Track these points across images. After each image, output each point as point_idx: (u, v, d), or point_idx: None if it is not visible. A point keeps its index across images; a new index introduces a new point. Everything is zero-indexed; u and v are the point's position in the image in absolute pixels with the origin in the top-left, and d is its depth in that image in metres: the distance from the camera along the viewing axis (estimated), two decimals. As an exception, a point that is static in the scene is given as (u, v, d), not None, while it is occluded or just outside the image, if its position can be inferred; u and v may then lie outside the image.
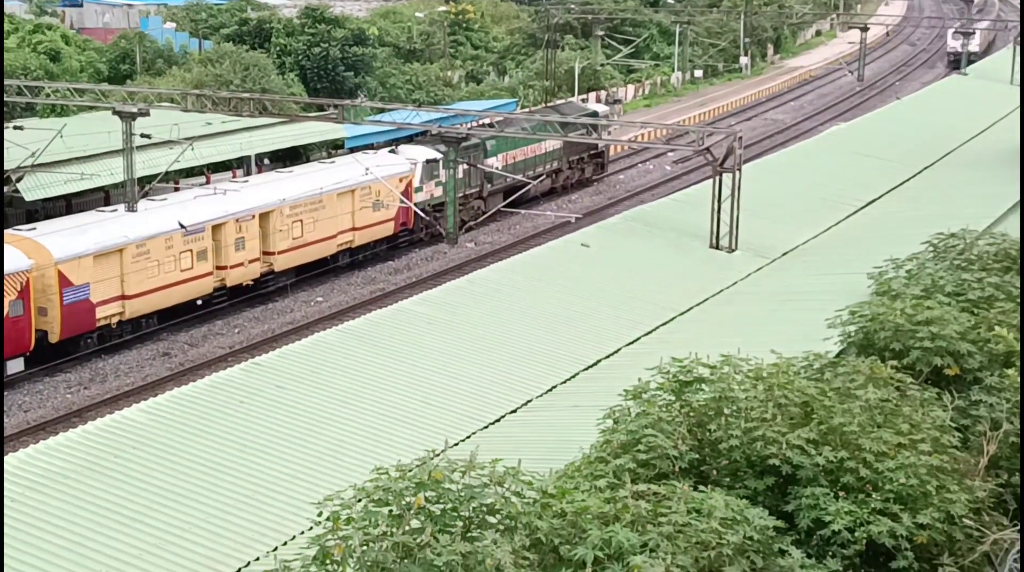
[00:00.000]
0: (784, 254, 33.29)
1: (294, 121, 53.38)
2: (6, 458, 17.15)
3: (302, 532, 15.44)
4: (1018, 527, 12.01)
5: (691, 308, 27.79)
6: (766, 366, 13.34)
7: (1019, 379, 14.35)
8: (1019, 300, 17.29)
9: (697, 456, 12.27)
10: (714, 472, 12.25)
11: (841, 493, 11.74)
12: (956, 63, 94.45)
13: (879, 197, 39.43)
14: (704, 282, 30.11)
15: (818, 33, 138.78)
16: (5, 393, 36.08)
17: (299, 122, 54.05)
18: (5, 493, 16.00)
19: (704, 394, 12.89)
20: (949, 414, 13.33)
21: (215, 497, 16.78)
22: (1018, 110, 46.24)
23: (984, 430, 13.40)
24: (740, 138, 35.76)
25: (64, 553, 14.91)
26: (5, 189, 44.74)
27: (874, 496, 11.62)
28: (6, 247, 36.62)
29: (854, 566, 11.13)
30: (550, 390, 22.27)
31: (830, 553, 11.19)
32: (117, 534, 15.54)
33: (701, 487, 11.16)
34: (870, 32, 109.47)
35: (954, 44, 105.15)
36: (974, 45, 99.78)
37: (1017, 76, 63.16)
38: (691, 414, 12.74)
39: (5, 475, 16.42)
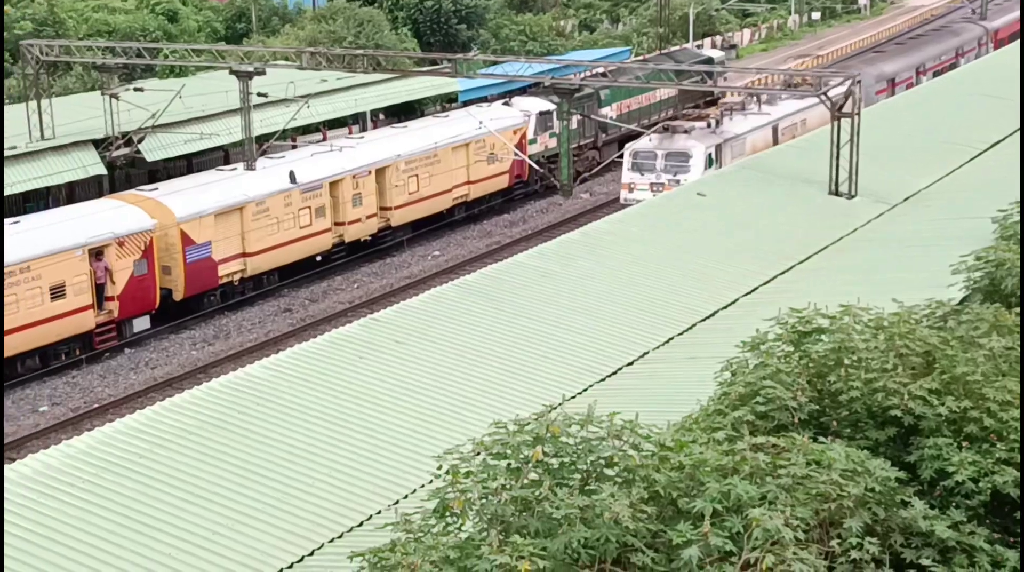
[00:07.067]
0: (906, 199, 32.61)
1: (407, 76, 53.60)
2: (133, 416, 17.60)
3: (422, 485, 15.59)
4: None
5: (810, 257, 27.39)
6: (887, 315, 13.08)
7: None
8: None
9: (817, 407, 12.11)
10: (834, 423, 12.08)
11: (964, 443, 11.49)
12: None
13: (1004, 138, 38.36)
14: (823, 230, 29.64)
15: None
16: (133, 349, 37.03)
17: (413, 77, 54.27)
18: (132, 448, 16.43)
19: (823, 345, 12.69)
20: (1078, 362, 12.94)
21: (337, 452, 17.03)
22: None
23: (1116, 377, 12.99)
24: (859, 81, 35.01)
25: (190, 508, 15.26)
26: (127, 150, 45.69)
27: (999, 446, 11.36)
28: (131, 207, 37.53)
29: (978, 517, 10.91)
30: (667, 342, 22.15)
31: (954, 504, 10.98)
32: (243, 488, 15.86)
33: (821, 438, 11.02)
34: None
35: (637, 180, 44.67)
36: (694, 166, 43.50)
37: None
38: (810, 365, 12.55)
39: (132, 431, 16.86)
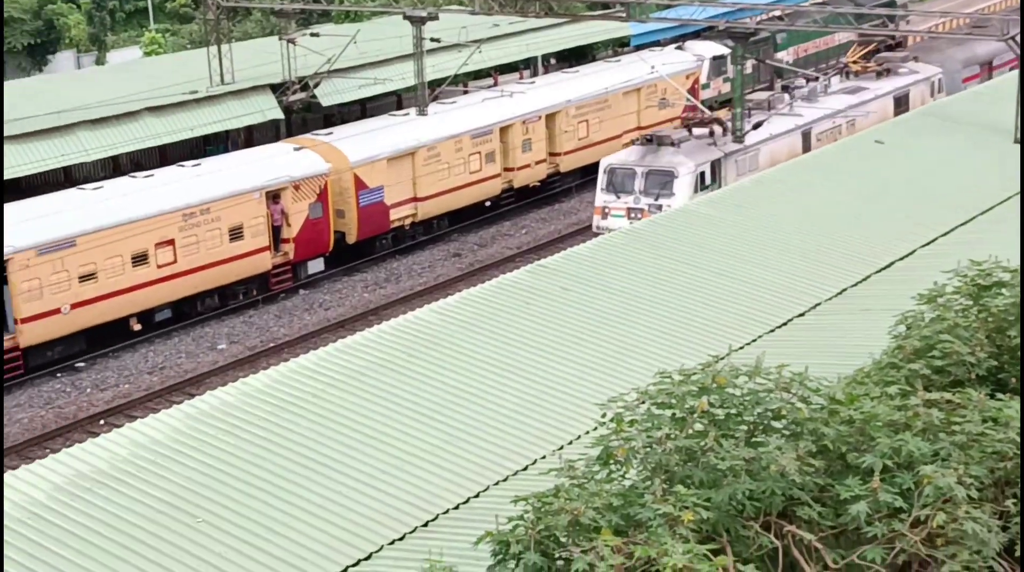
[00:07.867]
0: (1097, 148, 31.24)
1: (579, 20, 53.31)
2: (307, 356, 18.00)
3: (586, 432, 15.63)
4: None
5: (993, 207, 26.46)
6: (1073, 269, 12.59)
7: None
8: None
9: (995, 364, 11.74)
10: (1013, 380, 11.71)
11: None
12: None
13: None
14: (1007, 180, 28.58)
15: None
16: (307, 291, 37.90)
17: (584, 21, 53.95)
18: (306, 388, 16.81)
19: (1004, 299, 12.29)
20: None
21: (502, 396, 17.16)
22: None
23: None
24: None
25: (361, 448, 15.56)
26: (303, 95, 46.52)
27: None
28: (307, 152, 38.26)
29: None
30: (840, 293, 21.70)
31: None
32: (411, 429, 16.11)
33: (999, 395, 10.69)
34: None
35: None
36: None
37: None
38: (990, 320, 12.17)
39: (305, 371, 17.25)
